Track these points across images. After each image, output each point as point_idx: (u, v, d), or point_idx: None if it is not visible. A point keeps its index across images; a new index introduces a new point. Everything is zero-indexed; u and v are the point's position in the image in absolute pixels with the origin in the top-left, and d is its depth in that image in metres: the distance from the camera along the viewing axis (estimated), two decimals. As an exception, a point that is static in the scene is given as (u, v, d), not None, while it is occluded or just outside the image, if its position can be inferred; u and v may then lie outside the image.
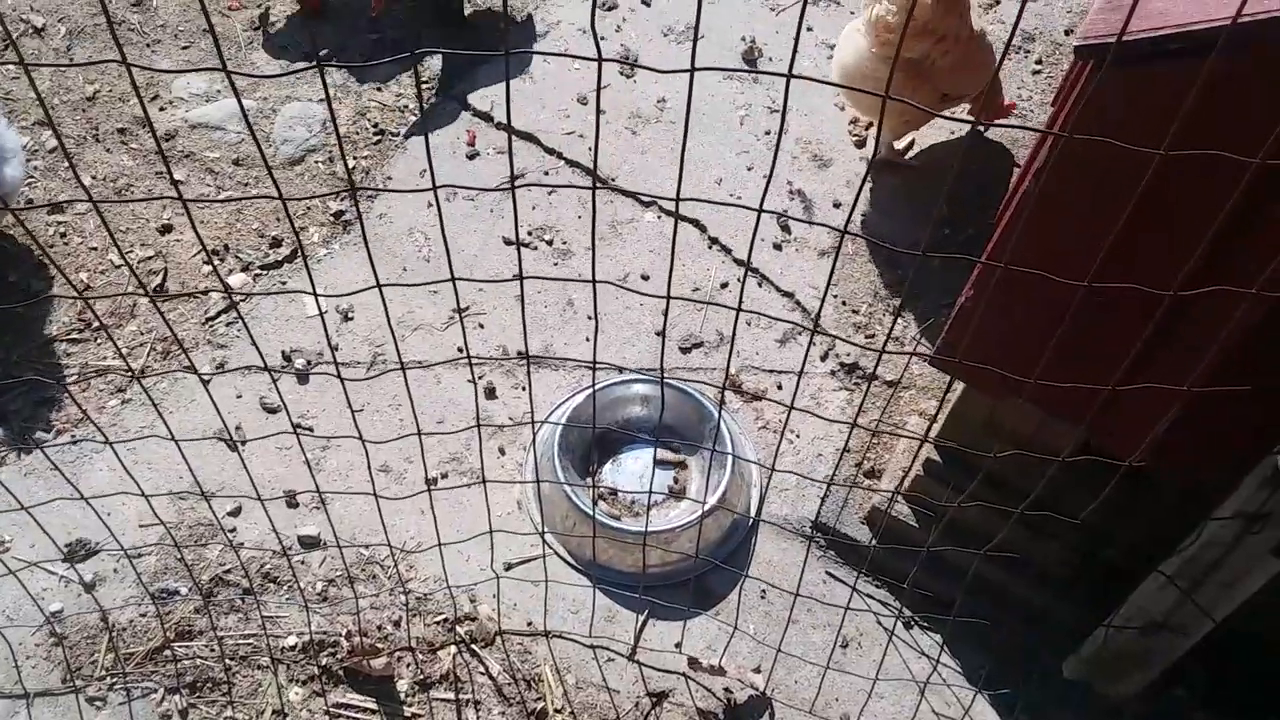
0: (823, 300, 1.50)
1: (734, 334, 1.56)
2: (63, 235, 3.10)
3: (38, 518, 2.05)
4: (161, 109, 3.39)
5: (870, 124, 3.30)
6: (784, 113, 1.22)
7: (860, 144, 3.32)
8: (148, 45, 3.53)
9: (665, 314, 1.54)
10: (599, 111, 1.20)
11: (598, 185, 1.61)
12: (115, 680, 2.30)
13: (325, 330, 1.72)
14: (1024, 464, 1.80)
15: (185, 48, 3.54)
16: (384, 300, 1.58)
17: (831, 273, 1.42)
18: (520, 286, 1.60)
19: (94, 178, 3.22)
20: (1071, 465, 1.66)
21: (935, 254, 1.66)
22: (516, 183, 3.20)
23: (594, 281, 1.54)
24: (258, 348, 1.66)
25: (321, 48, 3.58)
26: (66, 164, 3.24)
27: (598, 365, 1.63)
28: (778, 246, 3.09)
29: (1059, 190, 1.75)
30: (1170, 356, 1.80)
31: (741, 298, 1.69)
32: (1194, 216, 1.56)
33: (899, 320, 2.99)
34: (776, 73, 1.18)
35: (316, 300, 1.49)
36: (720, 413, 2.43)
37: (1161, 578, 1.98)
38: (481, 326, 2.93)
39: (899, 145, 3.28)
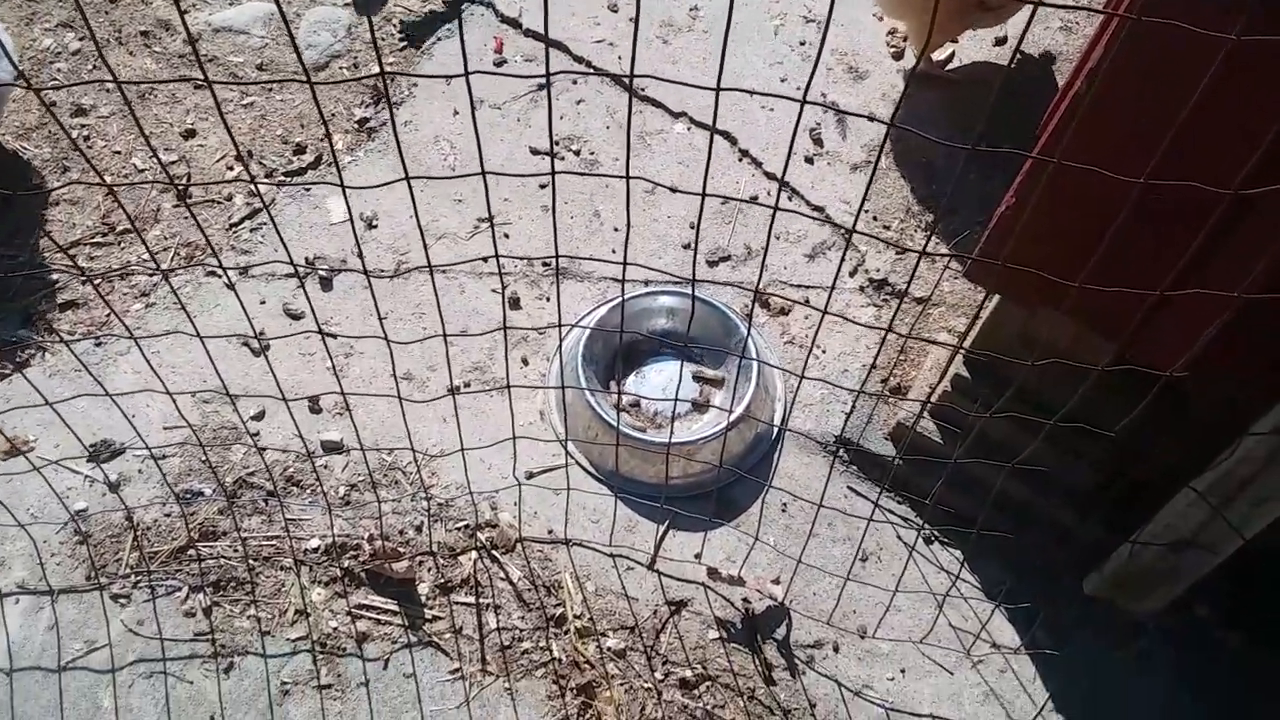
0: (858, 212, 1.45)
1: (768, 242, 1.52)
2: (86, 139, 3.07)
3: (63, 416, 2.06)
4: (185, 12, 3.32)
5: (907, 35, 3.18)
6: (829, 17, 1.16)
7: (898, 55, 3.21)
8: (169, -54, 3.46)
9: (698, 221, 1.50)
10: (637, 13, 1.15)
11: (632, 88, 1.54)
12: (139, 578, 2.33)
13: (354, 232, 1.69)
14: (1056, 376, 1.75)
15: (208, -51, 3.47)
16: (412, 196, 1.54)
17: (873, 176, 1.37)
18: (552, 189, 1.56)
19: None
20: (1105, 379, 1.61)
21: (981, 149, 1.60)
22: (544, 91, 3.13)
23: (627, 178, 1.49)
24: (287, 249, 1.63)
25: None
26: (91, 65, 3.20)
27: (626, 272, 1.59)
28: (809, 160, 3.01)
29: (1114, 87, 1.68)
30: (1220, 264, 1.74)
31: (778, 200, 1.64)
32: (1257, 111, 1.49)
33: (932, 236, 2.91)
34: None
35: (345, 199, 1.45)
36: (749, 326, 2.38)
37: (1192, 494, 1.94)
38: (507, 237, 2.89)
39: (938, 57, 3.18)
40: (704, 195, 1.45)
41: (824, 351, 2.68)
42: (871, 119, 1.30)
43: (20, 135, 3.05)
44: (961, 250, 2.76)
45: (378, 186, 1.49)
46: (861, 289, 2.79)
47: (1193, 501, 1.97)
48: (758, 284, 1.78)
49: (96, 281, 2.80)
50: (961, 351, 2.21)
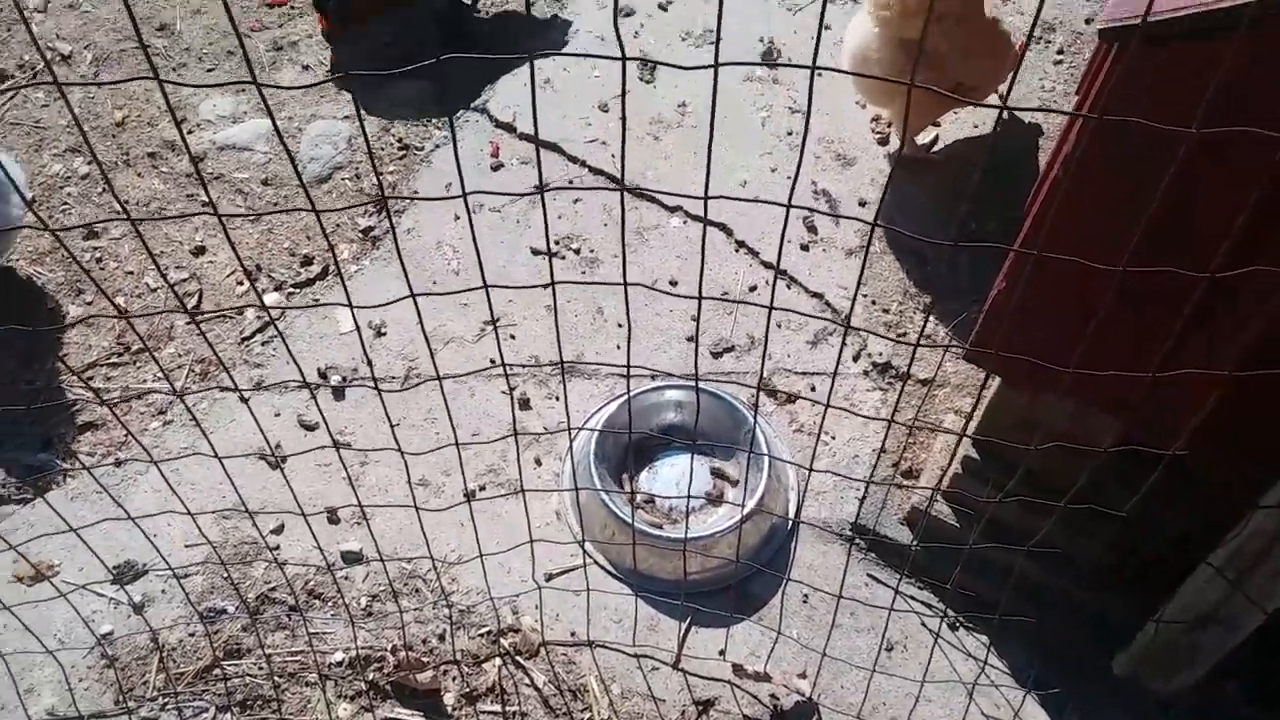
0: (854, 300, 1.51)
1: (766, 335, 1.57)
2: (99, 260, 3.14)
3: (86, 540, 2.09)
4: (190, 132, 3.43)
5: (891, 121, 3.29)
6: (809, 108, 1.23)
7: (883, 141, 3.31)
8: (173, 69, 3.58)
9: (698, 316, 1.56)
10: (624, 115, 1.21)
11: (625, 189, 1.62)
12: (167, 700, 2.34)
13: (362, 344, 1.74)
14: (1063, 458, 1.80)
15: (210, 70, 3.58)
16: (418, 310, 1.60)
17: (862, 270, 1.43)
18: (553, 294, 1.62)
19: (127, 201, 3.26)
20: (1111, 458, 1.66)
21: (966, 244, 1.66)
22: (543, 190, 3.22)
23: (625, 285, 1.55)
24: (297, 364, 1.68)
25: (341, 66, 3.60)
26: (100, 189, 3.28)
27: (631, 371, 1.65)
28: (804, 248, 3.09)
29: (1089, 175, 1.75)
30: (1208, 342, 1.80)
31: (773, 297, 1.70)
32: (1229, 196, 1.56)
33: (930, 318, 2.98)
34: (799, 65, 1.18)
35: (353, 314, 1.51)
36: (755, 416, 2.43)
37: (1209, 570, 1.97)
38: (513, 338, 2.95)
39: (921, 140, 3.28)
40: (700, 298, 1.51)
41: (833, 438, 2.73)
42: (862, 204, 1.36)
43: (34, 260, 3.12)
44: (960, 332, 2.82)
45: (383, 305, 1.55)
46: (866, 373, 2.85)
47: (1210, 577, 2.00)
48: (760, 377, 1.83)
49: (113, 402, 2.84)
50: (965, 438, 2.25)
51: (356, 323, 1.53)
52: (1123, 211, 1.69)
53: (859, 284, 1.50)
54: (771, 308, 1.51)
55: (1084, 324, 1.60)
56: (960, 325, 2.87)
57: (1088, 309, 1.76)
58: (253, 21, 3.70)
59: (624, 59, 1.31)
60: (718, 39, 1.10)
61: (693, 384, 2.73)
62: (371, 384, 1.70)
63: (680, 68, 1.26)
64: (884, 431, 2.70)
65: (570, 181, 3.26)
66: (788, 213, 1.39)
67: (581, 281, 1.57)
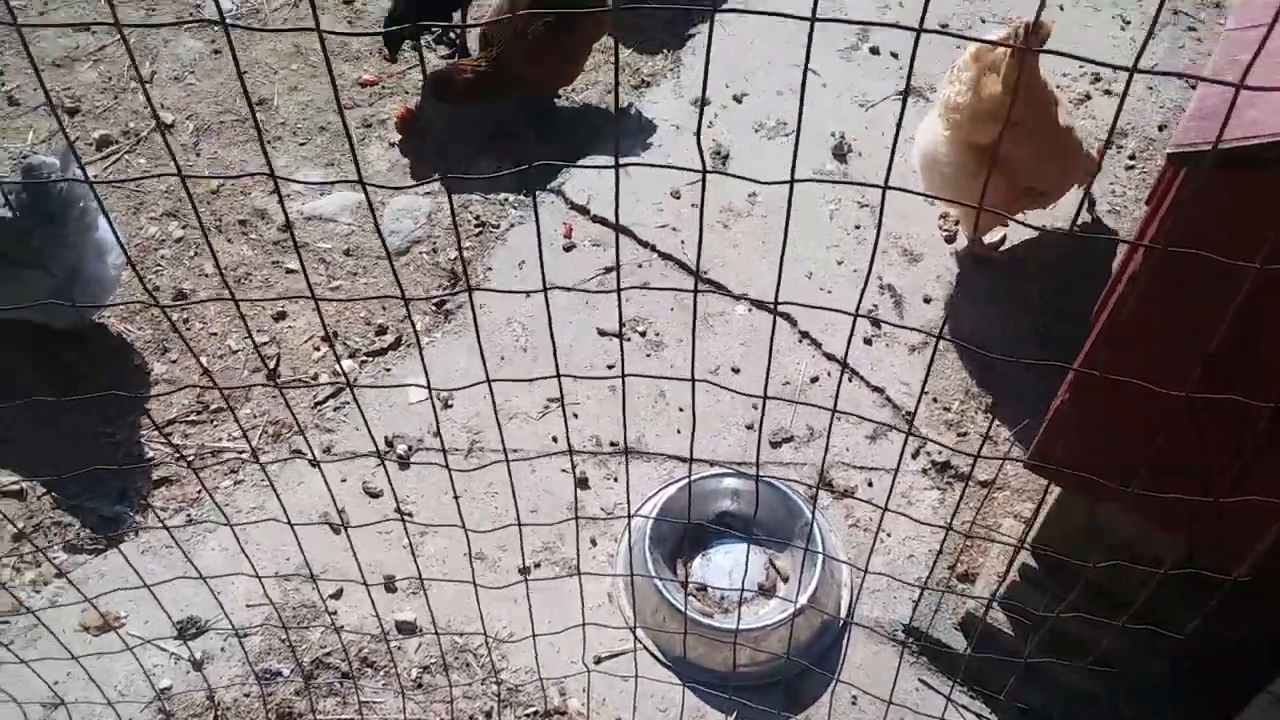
0: (918, 403, 1.52)
1: (829, 434, 1.60)
2: (185, 321, 3.28)
3: (154, 600, 2.16)
4: (279, 201, 3.58)
5: (959, 219, 3.32)
6: (879, 224, 1.27)
7: (950, 239, 3.34)
8: (268, 142, 3.75)
9: (761, 416, 1.59)
10: (702, 221, 1.27)
11: (698, 290, 1.67)
12: (219, 758, 2.38)
13: (435, 418, 1.80)
14: (1125, 570, 1.78)
15: (303, 144, 3.75)
16: (493, 396, 1.66)
17: (926, 378, 1.45)
18: (622, 385, 1.68)
19: (215, 266, 3.41)
20: (1174, 575, 1.64)
21: (1027, 360, 1.68)
22: (611, 276, 3.29)
23: (693, 381, 1.61)
24: (370, 433, 1.75)
25: (428, 146, 3.75)
26: (192, 253, 3.44)
27: (691, 454, 1.68)
28: (868, 341, 3.11)
29: (1154, 296, 1.76)
30: (1273, 468, 1.78)
31: (836, 399, 1.73)
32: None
33: (992, 419, 2.97)
34: (872, 184, 1.23)
35: (431, 397, 1.57)
36: (813, 511, 2.44)
37: (1270, 696, 1.92)
38: (575, 416, 3.00)
39: (989, 239, 3.30)
40: (765, 398, 1.55)
41: (889, 535, 2.72)
42: (927, 300, 1.39)
43: (125, 319, 3.27)
44: (1023, 437, 2.81)
45: (460, 388, 1.61)
46: (924, 471, 2.84)
47: (1272, 702, 1.95)
48: (820, 474, 1.85)
49: (190, 459, 2.95)
50: (1025, 548, 2.24)
51: (430, 395, 1.59)
52: (1188, 333, 1.69)
53: (922, 391, 1.52)
54: (835, 410, 1.54)
55: (1148, 442, 1.60)
56: (1023, 431, 2.86)
57: (1152, 428, 1.75)
58: (345, 100, 3.88)
59: (704, 171, 1.37)
60: (795, 153, 1.15)
61: (751, 474, 2.76)
62: (436, 453, 1.75)
63: (759, 182, 1.32)
64: (941, 534, 2.68)
65: (639, 265, 3.34)
66: (855, 322, 1.43)
67: (652, 376, 1.62)
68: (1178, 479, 1.71)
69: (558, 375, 1.66)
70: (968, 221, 3.18)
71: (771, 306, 1.36)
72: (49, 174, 2.84)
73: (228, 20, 3.77)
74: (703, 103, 1.44)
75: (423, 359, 1.62)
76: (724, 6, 4.08)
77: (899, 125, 1.13)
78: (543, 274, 1.40)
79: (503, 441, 1.63)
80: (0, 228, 2.85)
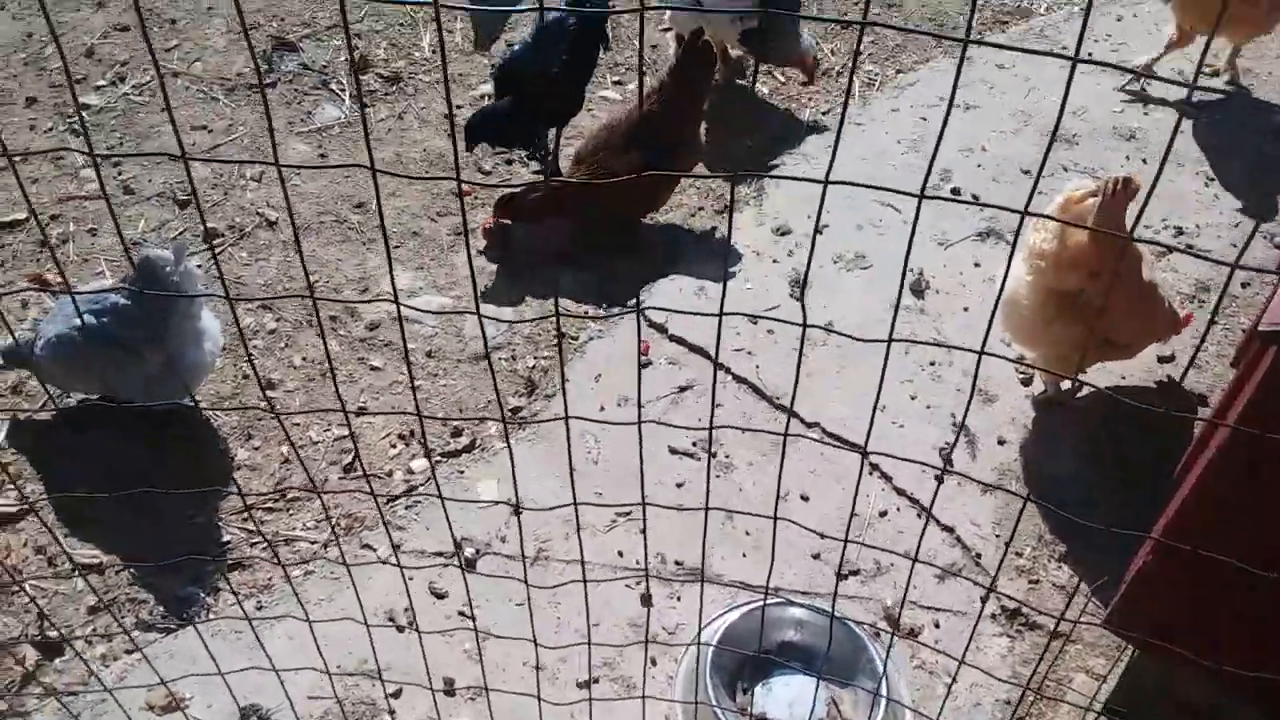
0: (1000, 564, 1.53)
1: (907, 584, 1.60)
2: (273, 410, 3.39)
3: (219, 684, 2.20)
4: (369, 300, 3.72)
5: (1036, 363, 3.33)
6: (973, 390, 1.31)
7: (1027, 382, 3.35)
8: (364, 243, 3.92)
9: (841, 560, 1.60)
10: (796, 382, 1.32)
11: (788, 433, 1.72)
12: None
13: (521, 539, 1.84)
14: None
15: (396, 246, 3.91)
16: (578, 522, 1.70)
17: (1011, 538, 1.45)
18: (705, 520, 1.72)
19: (303, 359, 3.54)
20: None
21: (1116, 530, 1.68)
22: (685, 394, 3.35)
23: (774, 518, 1.65)
24: (453, 534, 1.79)
25: (514, 259, 3.88)
26: (283, 344, 3.57)
27: (752, 585, 1.70)
28: (939, 479, 3.11)
29: (1241, 472, 1.76)
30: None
31: (916, 554, 1.74)
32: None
33: (1064, 566, 2.93)
34: (967, 348, 1.27)
35: (517, 513, 1.62)
36: (885, 660, 2.41)
37: None
38: (642, 533, 3.02)
39: (1065, 385, 3.30)
40: (846, 541, 1.57)
41: (955, 681, 2.66)
42: (1001, 443, 1.41)
43: (215, 402, 3.39)
44: (1102, 595, 2.76)
45: (548, 508, 1.66)
46: (994, 616, 2.80)
47: None
48: (898, 617, 1.84)
49: (271, 544, 3.02)
50: (1096, 710, 2.19)
51: (518, 504, 1.64)
52: (1274, 509, 1.69)
53: (1003, 558, 1.53)
54: (916, 560, 1.56)
55: (1235, 614, 1.58)
56: (1103, 588, 2.81)
57: (1241, 599, 1.73)
58: (440, 207, 4.05)
59: (805, 325, 1.43)
60: (894, 315, 1.20)
61: (816, 606, 2.74)
62: (504, 559, 1.79)
63: (850, 336, 1.37)
64: (1009, 683, 2.63)
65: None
66: (941, 478, 1.46)
67: (734, 511, 1.65)
68: (1265, 651, 1.68)
69: (643, 504, 1.73)
70: (1045, 365, 3.19)
71: (851, 446, 1.40)
72: (164, 266, 3.00)
73: (336, 126, 3.97)
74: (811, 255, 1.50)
75: (512, 462, 1.67)
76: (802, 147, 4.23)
77: (994, 311, 1.18)
78: (639, 410, 1.46)
79: (582, 563, 1.67)
80: (115, 314, 3.01)
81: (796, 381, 1.70)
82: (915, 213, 1.27)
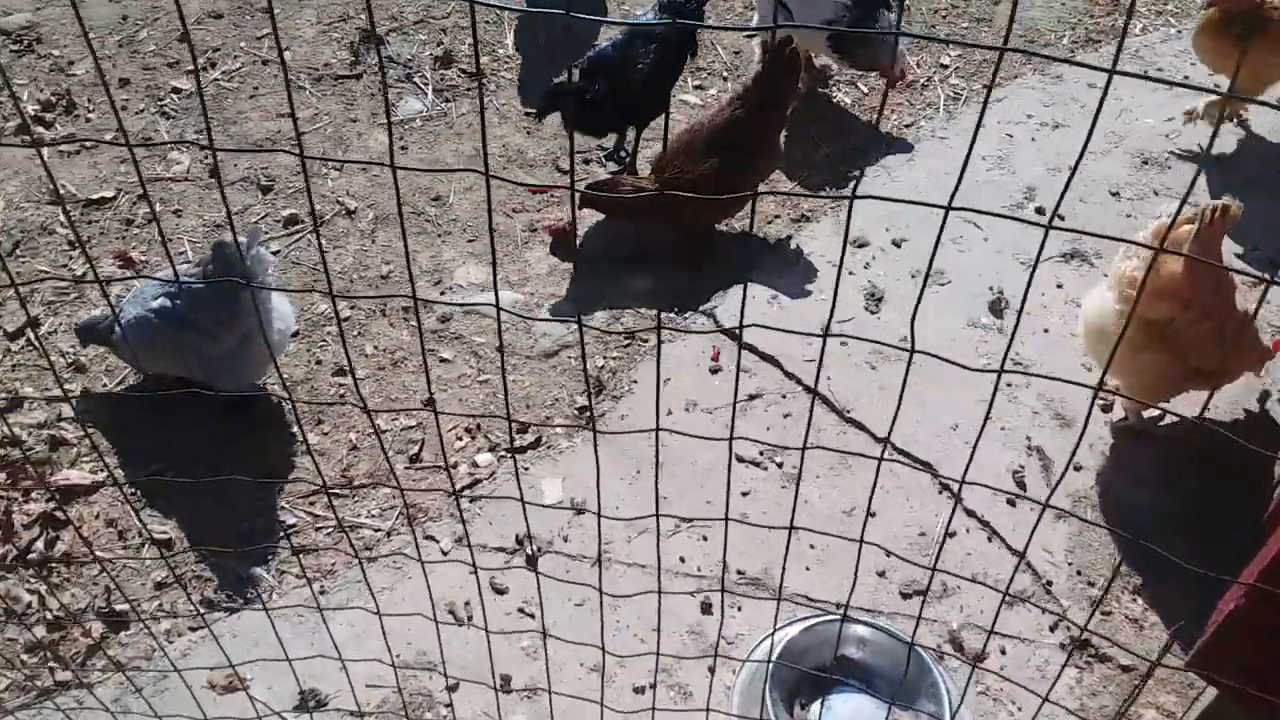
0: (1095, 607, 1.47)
1: (993, 627, 1.56)
2: (341, 396, 3.43)
3: (279, 666, 2.21)
4: (442, 293, 3.75)
5: (1119, 390, 3.24)
6: (1086, 433, 1.26)
7: (1107, 408, 3.25)
8: (439, 235, 3.95)
9: (927, 589, 1.57)
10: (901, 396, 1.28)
11: (883, 458, 1.68)
12: (319, 836, 2.39)
13: (600, 545, 1.83)
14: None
15: (471, 240, 3.93)
16: (659, 528, 1.68)
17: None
18: (788, 540, 1.68)
19: (375, 348, 3.57)
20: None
21: (1210, 575, 1.62)
22: (755, 402, 3.30)
23: (860, 542, 1.61)
24: (525, 526, 1.78)
25: (586, 259, 3.88)
26: (356, 332, 3.61)
27: (816, 602, 1.66)
28: (1011, 502, 3.03)
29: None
30: None
31: (1011, 589, 1.68)
32: None
33: (1138, 599, 2.84)
34: (1048, 375, 1.23)
35: (601, 520, 1.59)
36: (946, 675, 2.36)
37: None
38: (705, 539, 3.00)
39: (1148, 414, 3.20)
40: (934, 569, 1.53)
41: (1019, 709, 2.60)
42: (1077, 469, 1.36)
43: (289, 386, 3.43)
44: (1183, 636, 2.66)
45: (632, 518, 1.64)
46: (1062, 645, 2.72)
47: None
48: (976, 662, 1.80)
49: (342, 529, 3.05)
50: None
51: (599, 511, 1.63)
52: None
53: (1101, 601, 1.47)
54: (1006, 597, 1.51)
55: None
56: (1183, 630, 2.71)
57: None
58: (516, 204, 4.06)
59: (911, 350, 1.39)
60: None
61: (879, 621, 2.69)
62: (566, 557, 1.77)
63: (952, 360, 1.32)
64: (1077, 715, 2.56)
65: (783, 396, 3.35)
66: (1043, 514, 1.41)
67: (819, 531, 1.62)
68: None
69: (725, 520, 1.71)
70: (1130, 393, 3.10)
71: (934, 472, 1.36)
72: (235, 255, 3.05)
73: (418, 119, 3.99)
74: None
75: (598, 466, 1.66)
76: (886, 158, 4.17)
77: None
78: (731, 429, 1.43)
79: (659, 576, 1.65)
80: (189, 297, 3.07)
81: (897, 413, 1.65)
82: (940, 224, 1.23)
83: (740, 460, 3.17)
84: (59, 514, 3.04)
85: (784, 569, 1.64)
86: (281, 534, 3.05)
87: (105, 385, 3.42)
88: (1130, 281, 2.74)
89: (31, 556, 2.96)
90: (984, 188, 3.98)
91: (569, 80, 3.92)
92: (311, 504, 3.14)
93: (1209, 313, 2.70)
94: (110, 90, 4.38)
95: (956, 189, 1.27)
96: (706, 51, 4.67)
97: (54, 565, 2.94)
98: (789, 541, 1.73)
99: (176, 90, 4.46)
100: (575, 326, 3.62)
